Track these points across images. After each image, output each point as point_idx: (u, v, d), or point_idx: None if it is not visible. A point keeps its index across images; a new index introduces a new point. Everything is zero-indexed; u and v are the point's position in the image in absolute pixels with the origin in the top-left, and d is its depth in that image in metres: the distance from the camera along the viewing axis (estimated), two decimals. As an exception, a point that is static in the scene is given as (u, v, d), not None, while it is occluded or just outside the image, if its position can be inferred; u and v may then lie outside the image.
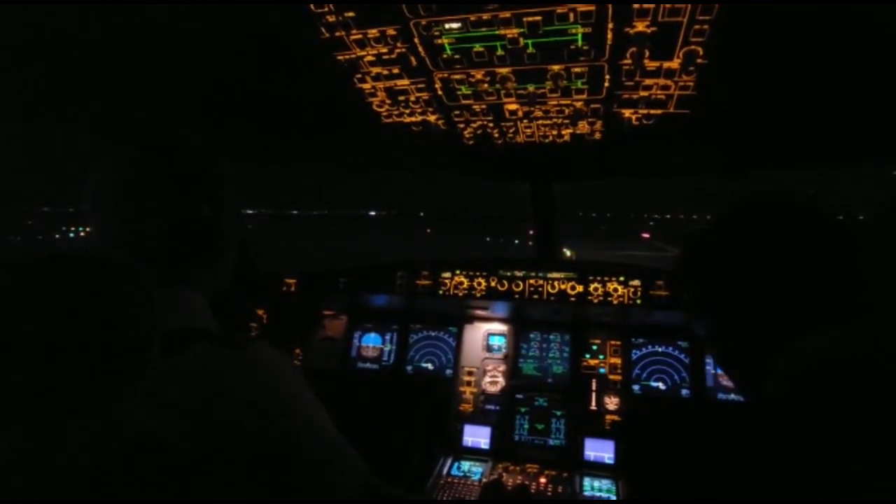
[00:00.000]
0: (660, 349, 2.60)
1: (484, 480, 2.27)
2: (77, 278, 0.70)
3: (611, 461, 2.38)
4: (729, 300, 0.91)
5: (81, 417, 0.66)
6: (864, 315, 0.76)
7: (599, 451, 2.41)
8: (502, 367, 2.72)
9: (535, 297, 2.53)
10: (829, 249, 0.82)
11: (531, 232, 3.03)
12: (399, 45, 1.31)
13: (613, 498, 2.16)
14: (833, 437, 0.66)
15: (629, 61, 1.34)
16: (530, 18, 1.16)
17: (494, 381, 2.70)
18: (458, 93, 1.58)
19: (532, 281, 2.55)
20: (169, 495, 0.72)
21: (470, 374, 2.74)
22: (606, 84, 1.47)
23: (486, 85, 1.51)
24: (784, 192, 0.92)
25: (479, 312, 2.82)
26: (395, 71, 1.46)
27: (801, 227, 0.85)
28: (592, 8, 1.11)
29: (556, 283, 2.52)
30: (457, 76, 1.47)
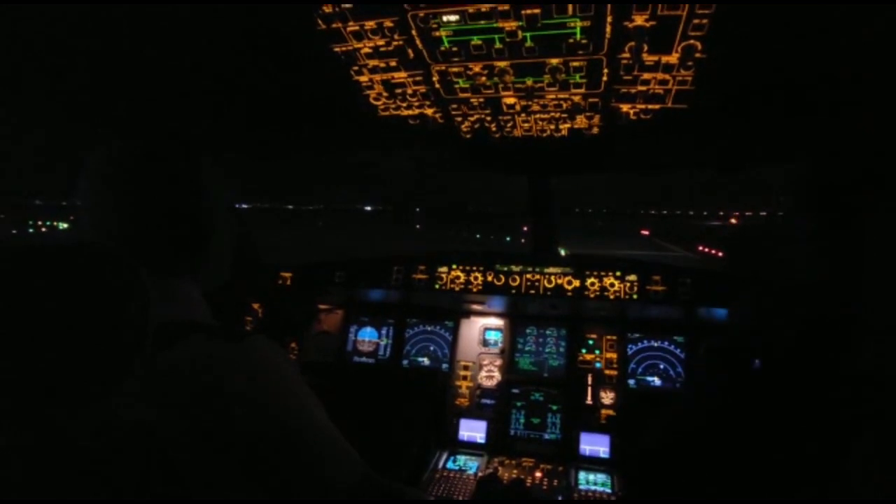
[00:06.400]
0: (655, 344, 2.61)
1: (480, 474, 2.28)
2: (70, 269, 0.69)
3: (606, 455, 2.39)
4: None
5: (74, 409, 0.66)
6: None
7: (595, 445, 2.43)
8: (498, 362, 2.73)
9: (532, 291, 2.53)
10: None
11: (524, 228, 3.02)
12: (396, 37, 1.30)
13: (609, 491, 2.17)
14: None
15: (628, 55, 1.33)
16: (529, 11, 1.16)
17: (490, 375, 2.70)
18: (456, 86, 1.57)
19: (529, 276, 2.55)
20: (164, 487, 0.72)
21: (466, 368, 2.74)
22: (605, 78, 1.47)
23: (483, 78, 1.50)
24: None
25: (476, 307, 2.82)
26: (393, 63, 1.45)
27: None
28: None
29: (552, 278, 2.52)
30: (454, 69, 1.46)
